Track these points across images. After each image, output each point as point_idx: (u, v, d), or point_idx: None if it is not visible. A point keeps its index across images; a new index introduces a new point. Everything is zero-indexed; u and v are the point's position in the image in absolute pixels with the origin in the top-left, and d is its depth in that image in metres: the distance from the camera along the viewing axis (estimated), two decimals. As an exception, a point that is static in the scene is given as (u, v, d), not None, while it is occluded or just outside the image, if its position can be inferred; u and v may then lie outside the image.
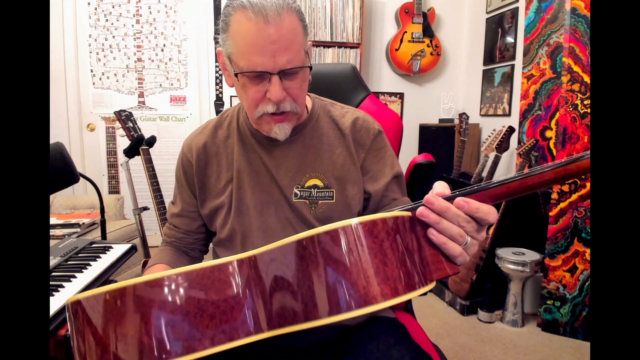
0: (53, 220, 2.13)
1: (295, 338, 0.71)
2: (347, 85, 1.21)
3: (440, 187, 0.55)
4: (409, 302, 1.15)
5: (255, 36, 0.69)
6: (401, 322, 0.88)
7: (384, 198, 0.87)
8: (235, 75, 0.75)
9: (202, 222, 0.92)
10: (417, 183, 1.09)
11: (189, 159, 0.90)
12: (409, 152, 3.29)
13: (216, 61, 3.08)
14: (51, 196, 2.50)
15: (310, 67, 0.76)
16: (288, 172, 0.84)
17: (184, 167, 0.91)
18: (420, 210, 0.53)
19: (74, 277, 0.98)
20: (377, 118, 0.94)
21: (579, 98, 1.98)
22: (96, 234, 2.13)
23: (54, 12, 2.80)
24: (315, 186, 0.84)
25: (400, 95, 3.40)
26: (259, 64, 0.71)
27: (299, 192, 0.83)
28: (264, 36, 0.69)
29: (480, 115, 3.21)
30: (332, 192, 0.84)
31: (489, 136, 2.53)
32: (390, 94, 3.39)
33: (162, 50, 3.06)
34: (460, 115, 2.73)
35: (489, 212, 0.54)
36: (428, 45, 3.22)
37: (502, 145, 2.42)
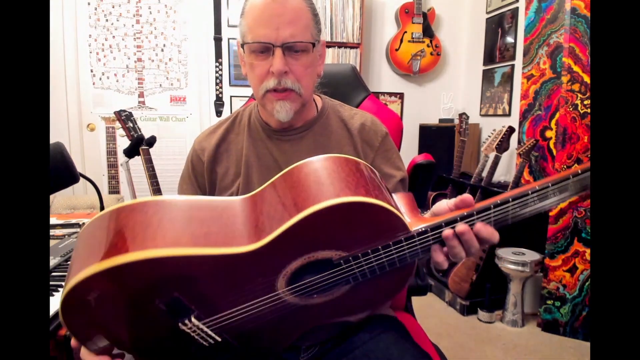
0: (53, 220, 2.12)
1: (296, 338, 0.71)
2: (347, 86, 1.21)
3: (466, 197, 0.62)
4: (408, 302, 1.15)
5: (261, 10, 0.77)
6: (401, 321, 0.88)
7: None
8: (242, 46, 0.81)
9: None
10: (416, 183, 1.09)
11: (199, 156, 0.92)
12: (409, 152, 3.29)
13: (216, 61, 3.08)
14: (51, 196, 2.49)
15: (313, 45, 0.80)
16: None
17: (193, 164, 0.93)
18: (447, 233, 0.59)
19: (74, 277, 0.98)
20: (377, 118, 0.94)
21: (579, 98, 1.98)
22: (96, 234, 2.12)
23: (54, 12, 2.80)
24: None
25: (400, 95, 3.40)
26: (263, 35, 0.77)
27: None
28: (269, 9, 0.76)
29: (480, 115, 3.20)
30: None
31: (489, 136, 2.53)
32: (390, 94, 3.39)
33: (162, 50, 3.06)
34: (460, 115, 2.73)
35: (492, 235, 0.60)
36: (428, 45, 3.22)
37: (502, 145, 2.42)
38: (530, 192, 0.61)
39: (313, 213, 0.52)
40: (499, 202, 0.61)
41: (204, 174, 0.90)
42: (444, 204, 0.64)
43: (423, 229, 0.59)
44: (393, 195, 0.63)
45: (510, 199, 0.61)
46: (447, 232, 0.59)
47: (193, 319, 0.58)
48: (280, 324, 0.64)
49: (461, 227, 0.60)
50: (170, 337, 0.59)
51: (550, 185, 0.61)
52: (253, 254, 0.54)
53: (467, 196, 0.62)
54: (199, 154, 0.92)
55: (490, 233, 0.60)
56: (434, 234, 0.60)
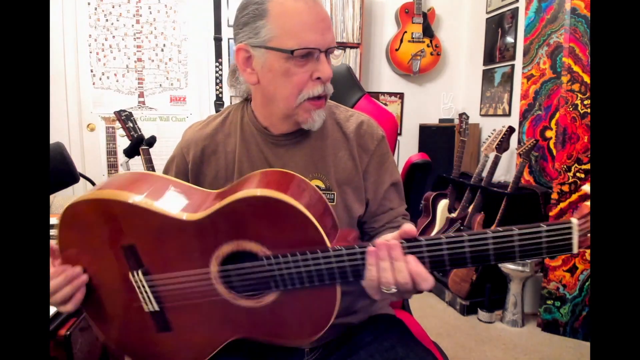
0: (53, 220, 2.12)
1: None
2: (342, 86, 1.21)
3: (408, 228, 0.62)
4: (405, 300, 1.15)
5: (306, 14, 0.73)
6: (402, 320, 0.88)
7: (380, 207, 0.86)
8: (267, 48, 0.74)
9: None
10: (413, 182, 1.09)
11: (184, 155, 0.88)
12: (409, 152, 3.29)
13: (216, 61, 3.08)
14: (51, 196, 2.49)
15: (344, 49, 0.81)
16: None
17: (177, 163, 0.89)
18: (370, 249, 0.61)
19: (74, 277, 0.97)
20: (374, 119, 0.94)
21: (579, 98, 1.98)
22: (96, 234, 2.12)
23: (54, 13, 2.79)
24: (317, 187, 0.83)
25: (400, 95, 3.40)
26: (312, 41, 0.73)
27: None
28: (314, 14, 0.74)
29: (480, 115, 3.20)
30: (333, 194, 0.83)
31: (489, 136, 2.53)
32: (390, 94, 3.39)
33: (162, 50, 3.06)
34: (460, 115, 2.73)
35: (426, 280, 0.59)
36: (428, 45, 3.22)
37: (502, 145, 2.42)
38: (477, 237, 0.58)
39: (239, 199, 0.63)
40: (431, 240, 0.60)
41: (188, 175, 0.87)
42: (388, 237, 0.64)
43: (339, 247, 0.62)
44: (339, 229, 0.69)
45: (444, 239, 0.60)
46: (370, 248, 0.61)
47: (140, 273, 0.69)
48: (212, 322, 0.70)
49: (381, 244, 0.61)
50: (121, 289, 0.70)
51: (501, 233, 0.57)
52: (193, 224, 0.66)
53: (409, 228, 0.62)
54: (184, 153, 0.88)
55: (418, 271, 0.59)
56: (349, 253, 0.62)
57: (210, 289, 0.68)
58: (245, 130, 0.87)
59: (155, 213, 0.65)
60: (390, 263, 0.60)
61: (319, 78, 0.76)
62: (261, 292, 0.67)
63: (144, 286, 0.70)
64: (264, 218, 0.64)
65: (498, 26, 3.00)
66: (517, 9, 2.81)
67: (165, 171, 0.92)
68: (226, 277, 0.67)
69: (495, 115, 3.06)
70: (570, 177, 2.01)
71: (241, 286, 0.68)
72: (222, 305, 0.68)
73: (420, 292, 0.61)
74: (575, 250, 0.55)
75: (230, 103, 3.12)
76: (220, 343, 0.71)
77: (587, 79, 1.96)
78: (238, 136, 0.86)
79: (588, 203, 0.57)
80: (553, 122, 2.39)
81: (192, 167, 0.86)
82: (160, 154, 3.05)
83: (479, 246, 0.58)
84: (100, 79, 3.00)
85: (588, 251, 2.01)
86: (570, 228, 0.55)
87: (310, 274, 0.63)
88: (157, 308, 0.70)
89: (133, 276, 0.69)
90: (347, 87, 1.20)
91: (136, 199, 0.65)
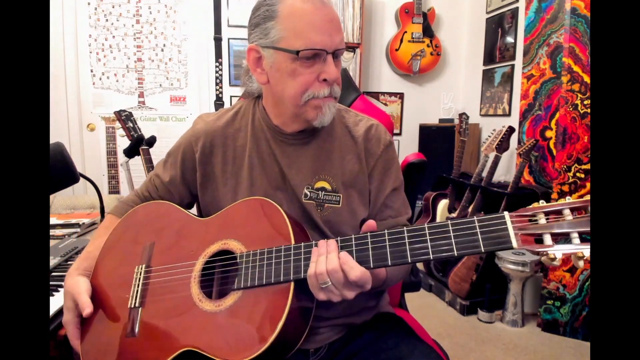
0: (53, 220, 2.12)
1: (304, 340, 0.71)
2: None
3: (369, 225, 0.69)
4: (402, 298, 1.15)
5: (314, 15, 0.74)
6: (403, 318, 0.88)
7: (379, 213, 0.87)
8: (275, 49, 0.76)
9: (178, 201, 0.91)
10: (409, 182, 1.09)
11: (192, 145, 0.88)
12: (409, 152, 3.28)
13: (216, 61, 3.07)
14: (51, 196, 2.49)
15: (354, 50, 0.80)
16: (300, 172, 0.83)
17: (183, 150, 0.90)
18: (314, 248, 0.68)
19: (74, 277, 0.98)
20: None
21: (579, 98, 1.98)
22: (96, 234, 2.12)
23: (54, 12, 2.80)
24: (323, 188, 0.83)
25: (400, 95, 3.40)
26: (318, 42, 0.73)
27: (308, 193, 0.83)
28: (322, 15, 0.74)
29: (480, 115, 3.21)
30: (339, 196, 0.83)
31: (489, 136, 2.53)
32: (390, 94, 3.39)
33: (162, 50, 3.06)
34: (460, 115, 2.73)
35: (353, 268, 0.64)
36: (428, 45, 3.22)
37: (502, 145, 2.42)
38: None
39: (237, 202, 0.80)
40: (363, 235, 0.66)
41: (194, 164, 0.87)
42: None
43: (299, 243, 0.70)
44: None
45: (386, 232, 0.65)
46: (314, 248, 0.68)
47: (143, 267, 0.80)
48: (173, 325, 0.73)
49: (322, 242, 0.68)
50: (120, 283, 0.80)
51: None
52: (203, 223, 0.82)
53: (371, 224, 0.69)
54: (192, 142, 0.88)
55: (345, 262, 0.64)
56: (306, 245, 0.69)
57: (184, 284, 0.75)
58: (256, 126, 0.88)
59: (186, 214, 0.84)
60: (325, 256, 0.65)
61: (325, 80, 0.76)
62: (225, 292, 0.73)
63: (139, 279, 0.79)
64: (251, 217, 0.76)
65: (498, 26, 3.00)
66: (517, 9, 2.81)
67: (169, 155, 0.94)
68: (205, 270, 0.76)
69: (495, 115, 3.06)
70: (570, 177, 2.01)
71: (215, 279, 0.77)
72: (186, 307, 0.74)
73: (359, 286, 0.65)
74: (515, 244, 0.57)
75: (231, 103, 3.13)
76: (171, 351, 0.71)
77: (587, 79, 1.96)
78: (249, 131, 0.87)
79: (536, 204, 0.59)
80: (553, 122, 2.39)
81: (200, 157, 0.87)
82: (161, 154, 3.03)
83: (416, 237, 0.63)
84: (100, 79, 3.00)
85: (588, 251, 2.01)
86: (502, 218, 0.59)
87: (270, 267, 0.69)
88: (137, 304, 0.77)
89: (138, 269, 0.80)
90: (343, 88, 1.20)
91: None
